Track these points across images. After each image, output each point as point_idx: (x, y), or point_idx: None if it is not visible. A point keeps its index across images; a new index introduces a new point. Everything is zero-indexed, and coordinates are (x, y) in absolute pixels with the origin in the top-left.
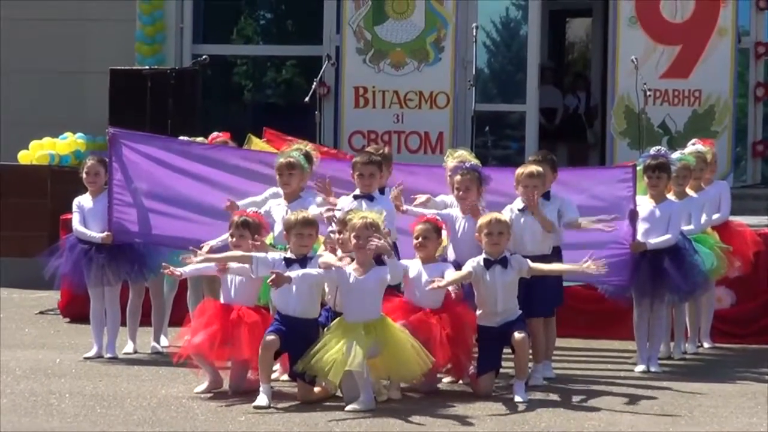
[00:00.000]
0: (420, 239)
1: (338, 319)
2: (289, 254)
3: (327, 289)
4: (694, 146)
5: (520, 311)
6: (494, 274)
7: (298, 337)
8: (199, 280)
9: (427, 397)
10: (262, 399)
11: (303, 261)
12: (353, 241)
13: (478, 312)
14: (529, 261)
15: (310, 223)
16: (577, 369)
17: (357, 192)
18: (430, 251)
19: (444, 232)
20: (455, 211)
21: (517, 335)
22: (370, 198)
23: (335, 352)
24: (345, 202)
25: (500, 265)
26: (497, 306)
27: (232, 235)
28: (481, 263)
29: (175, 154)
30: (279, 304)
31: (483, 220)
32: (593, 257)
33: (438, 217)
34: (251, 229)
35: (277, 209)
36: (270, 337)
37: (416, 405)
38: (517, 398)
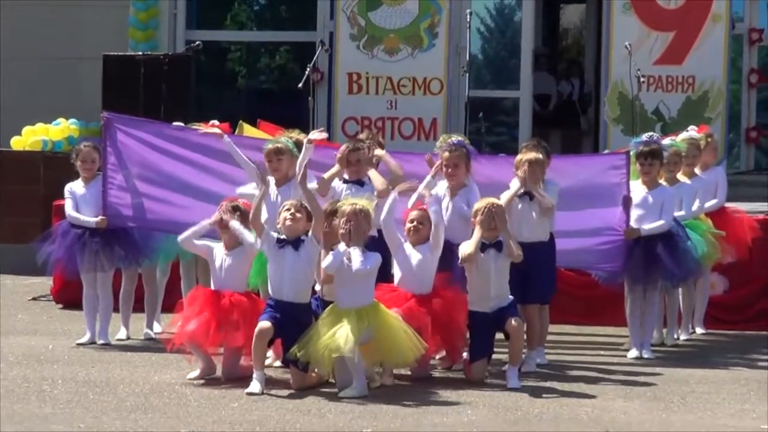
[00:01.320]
0: (415, 223)
1: (331, 305)
2: (281, 235)
3: (317, 278)
4: (688, 132)
5: (512, 297)
6: (488, 258)
7: (291, 322)
8: (192, 266)
9: (419, 383)
10: (255, 386)
11: (296, 243)
12: (342, 228)
13: (470, 297)
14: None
15: (299, 207)
16: (570, 355)
17: (346, 177)
18: (422, 236)
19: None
20: (442, 189)
21: (513, 322)
22: (360, 183)
23: (327, 338)
24: (336, 186)
25: (495, 249)
26: (490, 290)
27: (220, 218)
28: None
29: (168, 139)
30: (272, 289)
31: (478, 204)
32: (587, 246)
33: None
34: (242, 214)
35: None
36: (264, 325)
37: (408, 391)
38: (511, 384)
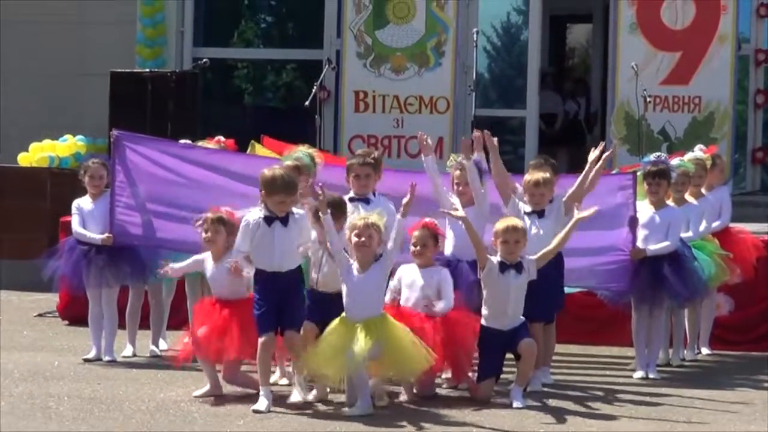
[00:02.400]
0: (418, 247)
1: (339, 318)
2: (267, 213)
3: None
4: (694, 153)
5: (523, 318)
6: (509, 278)
7: (284, 292)
8: (196, 283)
9: (424, 402)
10: (262, 403)
11: (284, 219)
12: (354, 239)
13: (485, 312)
14: (533, 258)
15: (293, 187)
16: (576, 375)
17: (352, 194)
18: (428, 258)
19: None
20: (455, 200)
21: (526, 341)
22: (366, 201)
23: (336, 353)
24: None
25: (515, 270)
26: (507, 309)
27: (206, 230)
28: (497, 266)
29: (177, 157)
30: (261, 263)
31: (499, 225)
32: (593, 265)
33: (437, 223)
34: (226, 225)
35: None
36: (265, 338)
37: (413, 410)
38: (516, 404)
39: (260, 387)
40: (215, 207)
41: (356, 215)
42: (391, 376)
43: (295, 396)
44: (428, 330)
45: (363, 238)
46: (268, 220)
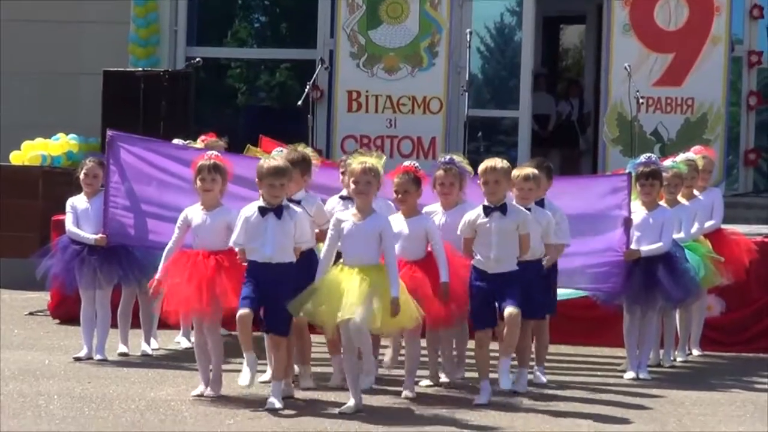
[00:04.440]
0: (400, 194)
1: (338, 262)
2: (262, 204)
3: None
4: (685, 154)
5: (517, 268)
6: (492, 220)
7: (273, 286)
8: None
9: (415, 401)
10: (244, 376)
11: (278, 210)
12: (352, 186)
13: (474, 257)
14: (528, 215)
15: (282, 173)
16: (567, 375)
17: (343, 193)
18: (411, 204)
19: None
20: (435, 207)
21: (509, 309)
22: None
23: (328, 295)
24: (332, 204)
25: (499, 212)
26: (491, 251)
27: (203, 179)
28: (480, 211)
29: (171, 159)
30: (252, 253)
31: (482, 167)
32: (587, 266)
33: (417, 166)
34: (221, 172)
35: None
36: (241, 312)
37: (407, 410)
38: (503, 383)
39: (244, 353)
40: (201, 155)
41: (355, 158)
42: (378, 328)
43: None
44: (420, 279)
45: (360, 185)
46: (263, 210)
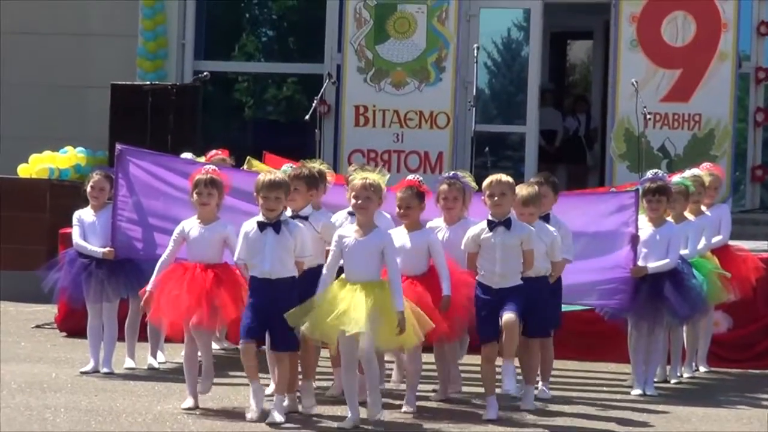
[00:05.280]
0: (402, 209)
1: (340, 278)
2: (261, 218)
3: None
4: (691, 170)
5: (521, 282)
6: (496, 234)
7: (275, 302)
8: None
9: (419, 415)
10: (252, 412)
11: (276, 225)
12: (352, 201)
13: (479, 272)
14: (532, 231)
15: (277, 186)
16: (573, 391)
17: (351, 209)
18: (414, 218)
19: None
20: (438, 222)
21: (506, 315)
22: None
23: (330, 311)
24: (339, 218)
25: (503, 227)
26: (496, 266)
27: (199, 193)
28: (485, 226)
29: (180, 173)
30: (253, 269)
31: (486, 181)
32: (594, 283)
33: (420, 180)
34: (218, 186)
35: None
36: (244, 345)
37: (407, 423)
38: (506, 387)
39: (250, 383)
40: (198, 169)
41: (358, 174)
42: (380, 345)
43: (276, 417)
44: (421, 293)
45: (360, 200)
46: (261, 225)
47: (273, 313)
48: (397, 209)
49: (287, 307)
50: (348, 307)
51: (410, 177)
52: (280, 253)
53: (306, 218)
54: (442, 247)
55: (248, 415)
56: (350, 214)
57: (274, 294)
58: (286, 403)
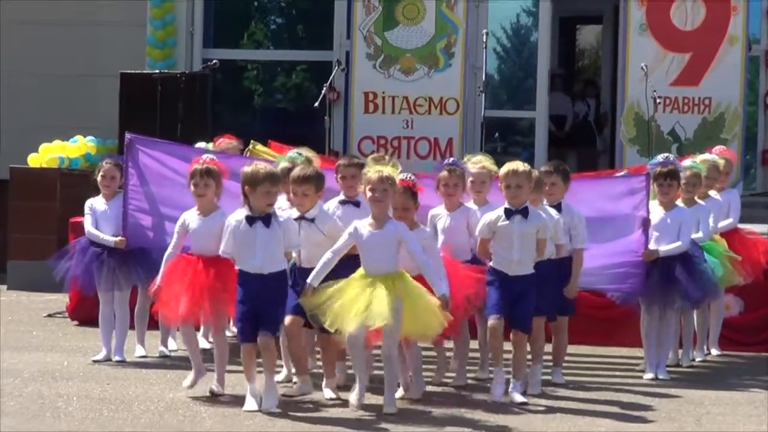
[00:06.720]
0: (399, 211)
1: (357, 272)
2: (249, 212)
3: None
4: (703, 155)
5: (533, 271)
6: (513, 223)
7: (265, 294)
8: None
9: (431, 401)
10: (249, 403)
11: (266, 219)
12: (368, 194)
13: (494, 259)
14: (546, 220)
15: (276, 181)
16: (585, 375)
17: (342, 197)
18: (411, 219)
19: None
20: (439, 209)
21: (515, 334)
22: (356, 204)
23: (352, 302)
24: (331, 207)
25: (521, 215)
26: (512, 254)
27: (195, 184)
28: (502, 214)
29: (189, 162)
30: (243, 264)
31: (502, 171)
32: (606, 267)
33: (414, 181)
34: (214, 176)
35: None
36: (246, 347)
37: (420, 409)
38: (516, 398)
39: (247, 383)
40: (196, 159)
41: (371, 167)
42: (404, 333)
43: (249, 404)
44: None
45: (377, 194)
46: (250, 219)
47: (263, 304)
48: (393, 211)
49: (276, 297)
50: (370, 301)
51: (402, 176)
52: (272, 247)
53: (312, 220)
54: (437, 246)
55: (245, 407)
56: (341, 203)
57: (266, 287)
58: (298, 385)
